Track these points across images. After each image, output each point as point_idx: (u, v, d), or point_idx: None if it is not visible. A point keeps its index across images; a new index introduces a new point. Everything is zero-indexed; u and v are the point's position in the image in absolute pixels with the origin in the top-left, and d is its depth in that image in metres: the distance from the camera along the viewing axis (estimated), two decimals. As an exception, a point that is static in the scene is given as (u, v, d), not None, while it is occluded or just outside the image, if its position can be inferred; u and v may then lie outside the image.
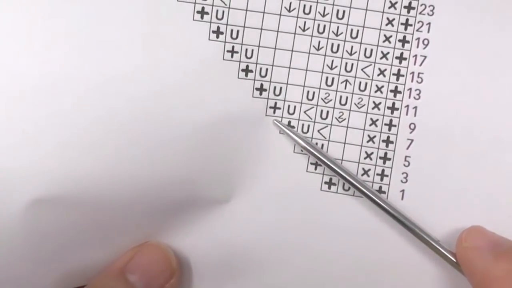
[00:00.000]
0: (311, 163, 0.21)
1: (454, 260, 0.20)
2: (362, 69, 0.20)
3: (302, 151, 0.21)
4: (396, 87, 0.20)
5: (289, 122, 0.20)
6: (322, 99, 0.20)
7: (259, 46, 0.20)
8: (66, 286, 0.20)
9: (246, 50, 0.20)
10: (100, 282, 0.19)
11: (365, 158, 0.21)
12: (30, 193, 0.19)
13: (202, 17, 0.20)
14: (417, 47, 0.20)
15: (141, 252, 0.20)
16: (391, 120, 0.20)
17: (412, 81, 0.20)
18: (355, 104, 0.20)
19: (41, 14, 0.19)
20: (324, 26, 0.20)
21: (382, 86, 0.20)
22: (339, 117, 0.21)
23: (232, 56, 0.20)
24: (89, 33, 0.19)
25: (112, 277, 0.19)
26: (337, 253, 0.21)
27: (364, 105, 0.20)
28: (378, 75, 0.20)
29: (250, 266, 0.21)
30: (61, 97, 0.19)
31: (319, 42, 0.20)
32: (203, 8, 0.20)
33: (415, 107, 0.20)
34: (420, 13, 0.20)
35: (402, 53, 0.20)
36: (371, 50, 0.20)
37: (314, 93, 0.20)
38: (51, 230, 0.20)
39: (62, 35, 0.19)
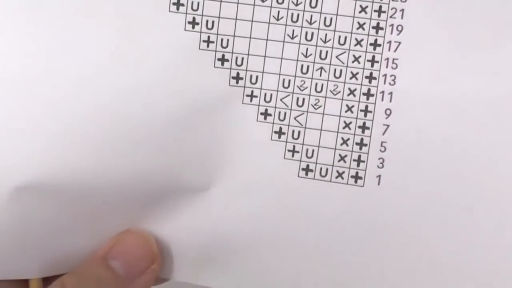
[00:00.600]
0: (288, 150, 0.21)
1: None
2: (336, 57, 0.21)
3: (279, 138, 0.21)
4: (371, 73, 0.21)
5: (266, 110, 0.21)
6: (297, 86, 0.21)
7: (234, 36, 0.20)
8: (51, 272, 0.21)
9: (222, 40, 0.20)
10: (83, 269, 0.20)
11: (341, 144, 0.21)
12: (16, 180, 0.20)
13: (177, 9, 0.20)
14: (391, 33, 0.20)
15: (123, 239, 0.20)
16: (366, 106, 0.21)
17: (387, 67, 0.20)
18: (330, 91, 0.21)
19: (23, 8, 0.20)
20: (298, 15, 0.20)
21: (357, 73, 0.21)
22: (315, 104, 0.21)
23: (208, 46, 0.20)
24: (68, 26, 0.20)
25: (94, 263, 0.20)
26: (316, 239, 0.21)
27: (340, 91, 0.21)
28: (353, 62, 0.21)
29: (230, 252, 0.22)
30: (42, 90, 0.20)
31: (293, 30, 0.20)
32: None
33: (391, 93, 0.21)
34: (393, 0, 0.20)
35: (376, 40, 0.20)
36: (345, 37, 0.20)
37: (290, 81, 0.21)
38: (36, 217, 0.20)
39: (41, 29, 0.20)
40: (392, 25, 0.20)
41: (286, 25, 0.20)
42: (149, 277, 0.20)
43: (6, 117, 0.20)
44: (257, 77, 0.21)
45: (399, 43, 0.20)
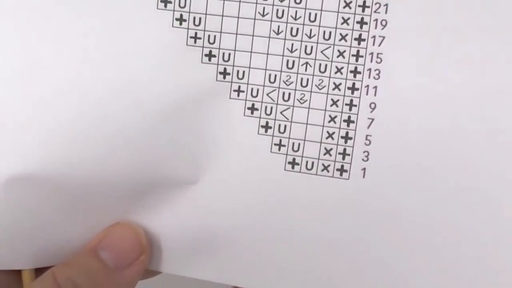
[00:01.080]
0: (275, 144, 0.21)
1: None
2: (321, 51, 0.21)
3: (266, 132, 0.21)
4: (356, 67, 0.21)
5: (253, 104, 0.21)
6: (283, 81, 0.21)
7: (221, 32, 0.21)
8: (43, 263, 0.21)
9: (209, 36, 0.21)
10: (73, 260, 0.20)
11: (327, 138, 0.21)
12: (8, 171, 0.21)
13: (165, 6, 0.21)
14: (375, 28, 0.21)
15: (113, 231, 0.21)
16: (351, 100, 0.21)
17: (371, 61, 0.21)
18: (316, 85, 0.21)
19: (13, 4, 0.21)
20: (283, 10, 0.21)
21: (342, 67, 0.21)
22: (301, 99, 0.21)
23: (195, 42, 0.21)
24: (57, 22, 0.21)
25: (85, 255, 0.20)
26: (302, 231, 0.21)
27: (325, 86, 0.21)
28: (338, 56, 0.21)
29: (217, 245, 0.22)
30: (33, 84, 0.21)
31: (279, 26, 0.21)
32: (166, -3, 0.21)
33: (375, 87, 0.21)
34: (377, -5, 0.20)
35: (360, 35, 0.21)
36: (330, 32, 0.21)
37: (276, 76, 0.21)
38: (28, 208, 0.21)
39: (32, 27, 0.21)
40: (376, 20, 0.21)
41: (271, 21, 0.21)
42: (138, 268, 0.20)
43: (-1, 110, 0.21)
44: (243, 72, 0.21)
45: (383, 37, 0.21)
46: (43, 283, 0.19)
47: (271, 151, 0.21)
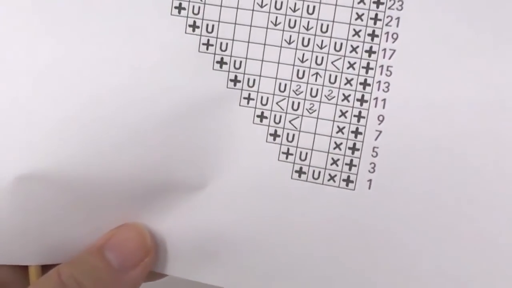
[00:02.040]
0: (283, 152, 0.21)
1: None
2: (332, 62, 0.21)
3: (274, 140, 0.21)
4: (365, 79, 0.21)
5: (262, 112, 0.21)
6: (293, 91, 0.21)
7: (233, 40, 0.21)
8: (49, 260, 0.22)
9: (221, 43, 0.21)
10: (79, 259, 0.20)
11: (334, 148, 0.21)
12: (17, 170, 0.21)
13: (179, 12, 0.21)
14: (386, 41, 0.21)
15: (119, 231, 0.21)
16: (360, 112, 0.21)
17: (381, 74, 0.21)
18: (325, 96, 0.21)
19: (30, 5, 0.21)
20: (295, 20, 0.21)
21: (352, 79, 0.21)
22: (310, 109, 0.21)
23: (207, 49, 0.21)
24: (72, 25, 0.21)
25: (90, 254, 0.20)
26: (307, 239, 0.22)
27: (334, 97, 0.21)
28: (348, 68, 0.21)
29: (223, 250, 0.22)
30: (44, 83, 0.21)
31: (291, 36, 0.21)
32: (180, 4, 0.21)
33: (384, 100, 0.21)
34: (389, 8, 0.21)
35: (371, 47, 0.21)
36: (341, 44, 0.21)
37: (286, 85, 0.21)
38: (36, 206, 0.21)
39: (48, 28, 0.21)
40: (387, 33, 0.21)
41: (283, 30, 0.21)
42: (143, 269, 0.21)
43: (7, 108, 0.21)
44: (254, 80, 0.21)
45: (394, 50, 0.21)
46: (48, 280, 0.20)
47: (278, 159, 0.22)
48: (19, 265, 0.22)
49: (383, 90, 0.21)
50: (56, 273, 0.20)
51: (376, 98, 0.21)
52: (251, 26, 0.21)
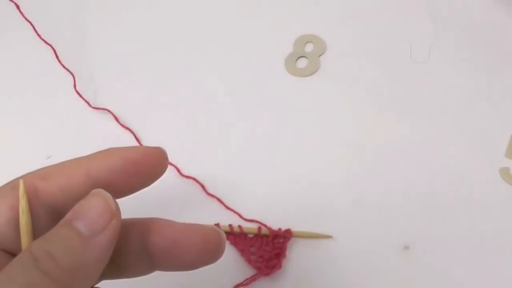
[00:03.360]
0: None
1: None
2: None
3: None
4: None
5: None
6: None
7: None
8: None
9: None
10: (49, 234, 0.20)
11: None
12: None
13: None
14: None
15: (83, 201, 0.21)
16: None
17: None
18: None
19: None
20: None
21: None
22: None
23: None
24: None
25: (59, 227, 0.20)
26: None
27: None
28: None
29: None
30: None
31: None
32: None
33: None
34: None
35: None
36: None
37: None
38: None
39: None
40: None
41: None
42: (111, 232, 0.20)
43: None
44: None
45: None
46: (20, 258, 0.20)
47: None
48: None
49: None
50: (27, 251, 0.19)
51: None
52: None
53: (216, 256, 0.23)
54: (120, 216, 0.21)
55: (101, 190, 0.21)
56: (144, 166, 0.23)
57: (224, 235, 0.23)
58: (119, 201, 0.22)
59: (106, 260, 0.20)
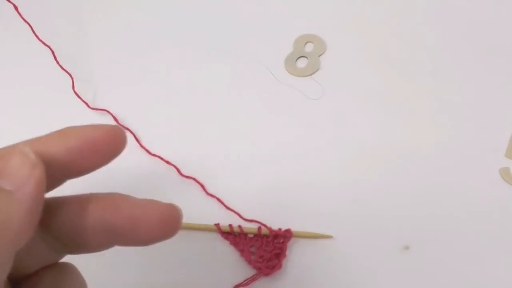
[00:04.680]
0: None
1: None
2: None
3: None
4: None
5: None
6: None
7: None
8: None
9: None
10: None
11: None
12: None
13: None
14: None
15: (1, 161, 0.20)
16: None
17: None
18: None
19: None
20: None
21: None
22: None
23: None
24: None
25: None
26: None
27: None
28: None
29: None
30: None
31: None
32: None
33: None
34: None
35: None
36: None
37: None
38: None
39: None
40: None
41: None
42: (35, 181, 0.20)
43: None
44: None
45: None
46: None
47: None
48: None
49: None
50: None
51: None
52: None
53: (173, 233, 0.23)
54: (42, 165, 0.21)
55: (16, 146, 0.21)
56: (102, 145, 0.22)
57: (181, 212, 0.23)
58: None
59: (37, 210, 0.20)
